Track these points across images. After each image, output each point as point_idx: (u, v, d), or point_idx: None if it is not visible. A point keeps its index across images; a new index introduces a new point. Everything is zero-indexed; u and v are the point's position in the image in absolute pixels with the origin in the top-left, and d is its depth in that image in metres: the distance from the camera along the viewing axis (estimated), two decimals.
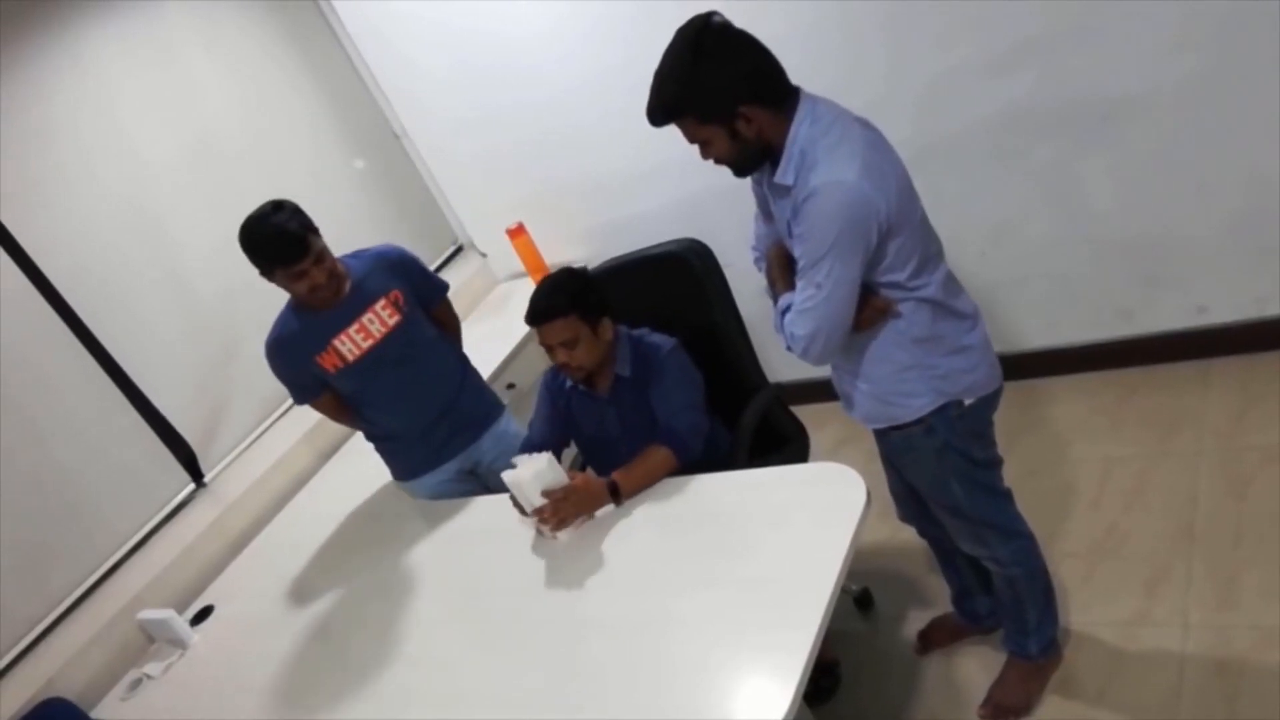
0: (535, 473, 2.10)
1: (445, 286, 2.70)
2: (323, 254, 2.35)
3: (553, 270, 2.59)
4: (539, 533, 2.17)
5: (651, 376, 2.30)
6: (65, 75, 2.92)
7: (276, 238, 2.29)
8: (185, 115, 3.21)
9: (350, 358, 2.45)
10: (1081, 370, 3.13)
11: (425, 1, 3.32)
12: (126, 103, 3.07)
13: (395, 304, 2.48)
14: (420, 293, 2.58)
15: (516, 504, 2.19)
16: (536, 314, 2.23)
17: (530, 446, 2.40)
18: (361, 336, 2.45)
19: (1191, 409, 2.80)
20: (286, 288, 2.40)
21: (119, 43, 3.06)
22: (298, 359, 2.47)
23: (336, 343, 2.44)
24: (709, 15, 1.70)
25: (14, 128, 2.79)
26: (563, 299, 2.21)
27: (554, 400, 2.44)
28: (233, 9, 3.37)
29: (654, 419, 2.29)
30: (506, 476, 2.15)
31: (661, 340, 2.33)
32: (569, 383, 2.39)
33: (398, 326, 2.48)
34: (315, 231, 2.34)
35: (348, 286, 2.44)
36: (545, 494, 2.11)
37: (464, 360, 2.71)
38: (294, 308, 2.46)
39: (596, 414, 2.39)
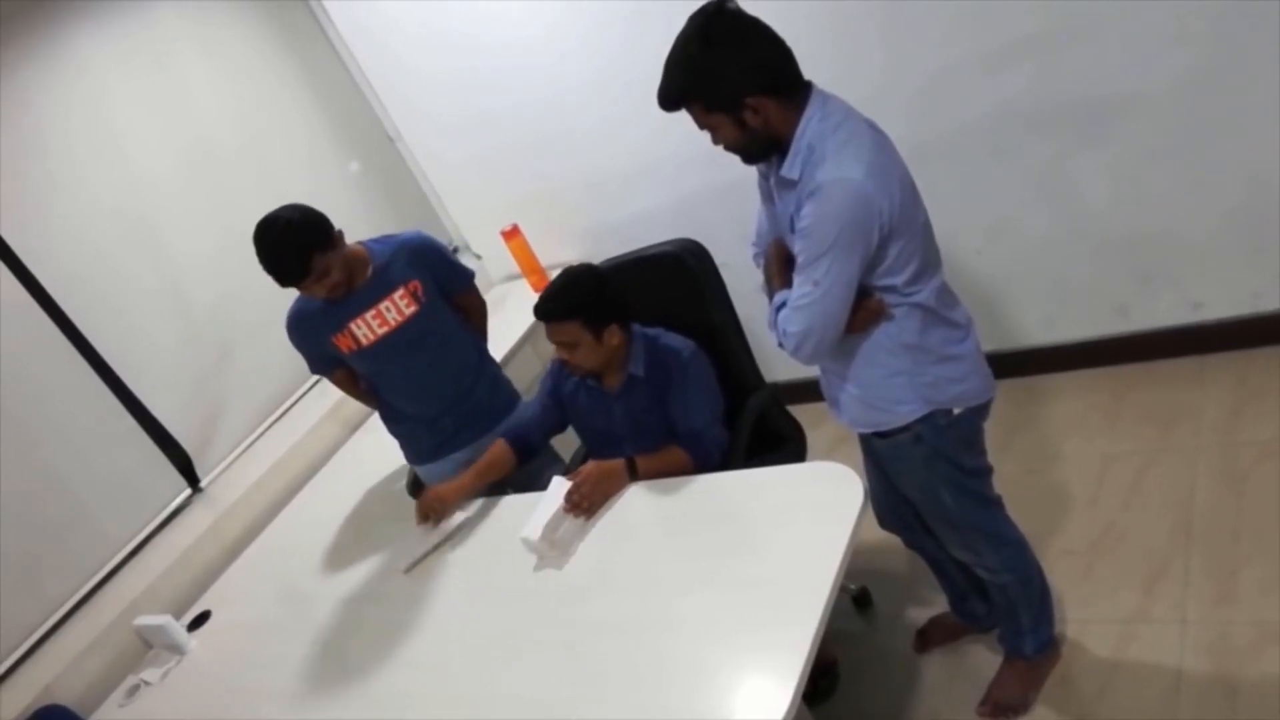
0: (545, 525, 2.08)
1: (469, 274, 2.67)
2: (328, 267, 2.31)
3: (552, 271, 2.59)
4: (540, 555, 2.12)
5: (671, 381, 2.27)
6: (58, 80, 2.91)
7: (273, 262, 2.28)
8: (179, 120, 3.20)
9: (365, 342, 2.46)
10: (1078, 367, 3.13)
11: (418, 4, 3.32)
12: (120, 107, 3.06)
13: (414, 294, 2.48)
14: (442, 281, 2.56)
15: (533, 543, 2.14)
16: (540, 311, 2.22)
17: (520, 422, 2.44)
18: (378, 323, 2.45)
19: (1188, 405, 2.80)
20: (303, 294, 2.41)
21: (112, 47, 3.05)
22: (315, 336, 2.50)
23: (353, 326, 2.45)
24: (722, 1, 1.68)
25: (7, 133, 2.78)
26: (566, 304, 2.19)
27: (556, 387, 2.44)
28: (225, 13, 3.36)
29: (664, 420, 2.28)
30: (529, 546, 2.12)
31: (680, 344, 2.30)
32: None
33: (414, 316, 2.47)
34: (320, 245, 2.28)
35: (369, 271, 2.44)
36: (558, 520, 2.11)
37: (483, 353, 2.71)
38: None
39: (603, 409, 2.38)
